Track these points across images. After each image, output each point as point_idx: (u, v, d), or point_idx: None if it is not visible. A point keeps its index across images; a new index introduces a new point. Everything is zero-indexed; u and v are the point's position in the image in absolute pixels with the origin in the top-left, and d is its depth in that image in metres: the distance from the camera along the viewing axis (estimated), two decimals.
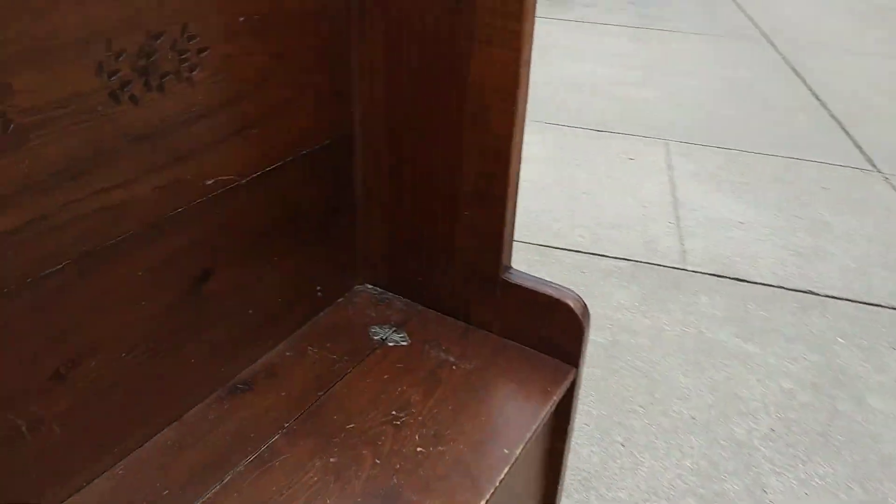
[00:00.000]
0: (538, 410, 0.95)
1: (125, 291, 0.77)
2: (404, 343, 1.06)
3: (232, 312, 0.94)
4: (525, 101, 0.93)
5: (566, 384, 1.01)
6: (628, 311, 2.11)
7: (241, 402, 0.94)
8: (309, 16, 0.91)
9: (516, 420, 0.94)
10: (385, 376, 0.99)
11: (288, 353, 1.03)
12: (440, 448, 0.88)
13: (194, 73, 0.77)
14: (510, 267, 1.06)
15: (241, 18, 0.81)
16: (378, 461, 0.86)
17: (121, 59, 0.69)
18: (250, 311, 0.97)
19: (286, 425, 0.90)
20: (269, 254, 0.97)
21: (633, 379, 1.85)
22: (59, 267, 0.69)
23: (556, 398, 0.98)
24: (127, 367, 0.81)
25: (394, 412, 0.93)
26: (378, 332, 1.08)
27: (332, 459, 0.86)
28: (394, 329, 1.09)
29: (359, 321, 1.10)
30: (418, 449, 0.88)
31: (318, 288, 1.10)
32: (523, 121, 0.95)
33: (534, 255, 2.36)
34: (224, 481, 0.82)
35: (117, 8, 0.67)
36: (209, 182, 0.83)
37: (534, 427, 0.92)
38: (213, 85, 0.80)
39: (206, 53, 0.78)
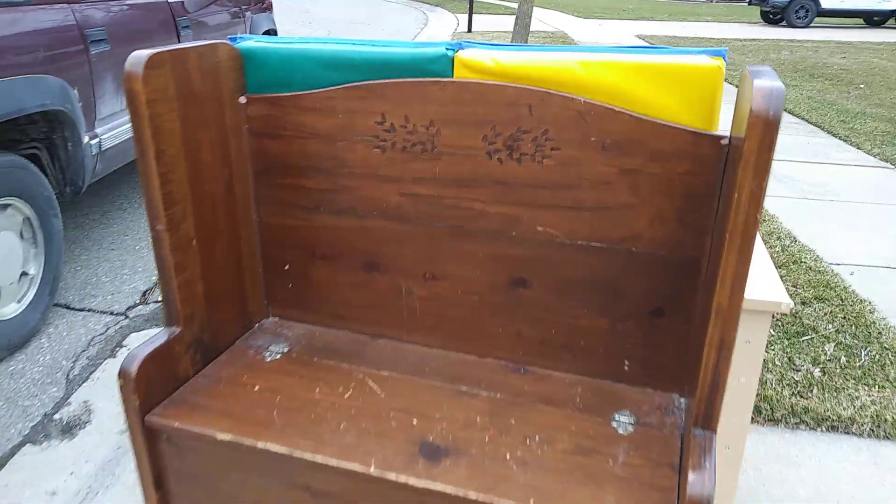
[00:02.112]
0: None
1: (469, 258, 1.37)
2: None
3: (538, 321, 1.36)
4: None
5: None
6: None
7: (507, 378, 1.38)
8: (664, 158, 1.18)
9: None
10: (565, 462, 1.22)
11: (566, 380, 1.36)
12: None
13: (544, 160, 1.25)
14: None
15: (593, 138, 1.21)
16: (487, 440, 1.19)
17: (497, 137, 1.26)
18: (553, 332, 1.36)
19: (497, 397, 1.31)
20: (578, 301, 1.32)
21: None
22: (440, 224, 1.36)
23: None
24: (462, 300, 1.41)
25: (518, 452, 1.19)
26: (617, 420, 1.25)
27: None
28: (627, 450, 1.24)
29: (628, 412, 1.29)
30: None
31: (626, 363, 1.33)
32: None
33: None
34: (441, 401, 1.34)
35: (508, 113, 1.25)
36: (539, 228, 1.30)
37: None
38: (557, 171, 1.25)
39: (558, 151, 1.24)
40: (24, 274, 2.57)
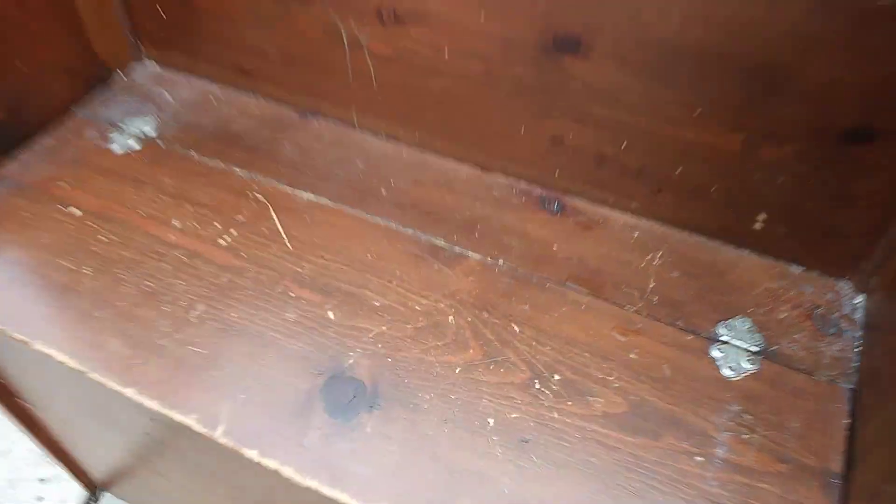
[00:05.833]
0: None
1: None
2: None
3: (591, 120, 0.69)
4: None
5: None
6: None
7: (534, 215, 0.75)
8: None
9: None
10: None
11: (625, 221, 0.73)
12: None
13: None
14: None
15: None
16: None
17: None
18: (622, 147, 0.69)
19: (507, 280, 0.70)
20: (680, 90, 0.63)
21: None
22: None
23: None
24: (454, 70, 0.72)
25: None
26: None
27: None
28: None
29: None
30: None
31: (762, 216, 0.68)
32: None
33: None
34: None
35: None
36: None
37: None
38: None
39: None
40: None
